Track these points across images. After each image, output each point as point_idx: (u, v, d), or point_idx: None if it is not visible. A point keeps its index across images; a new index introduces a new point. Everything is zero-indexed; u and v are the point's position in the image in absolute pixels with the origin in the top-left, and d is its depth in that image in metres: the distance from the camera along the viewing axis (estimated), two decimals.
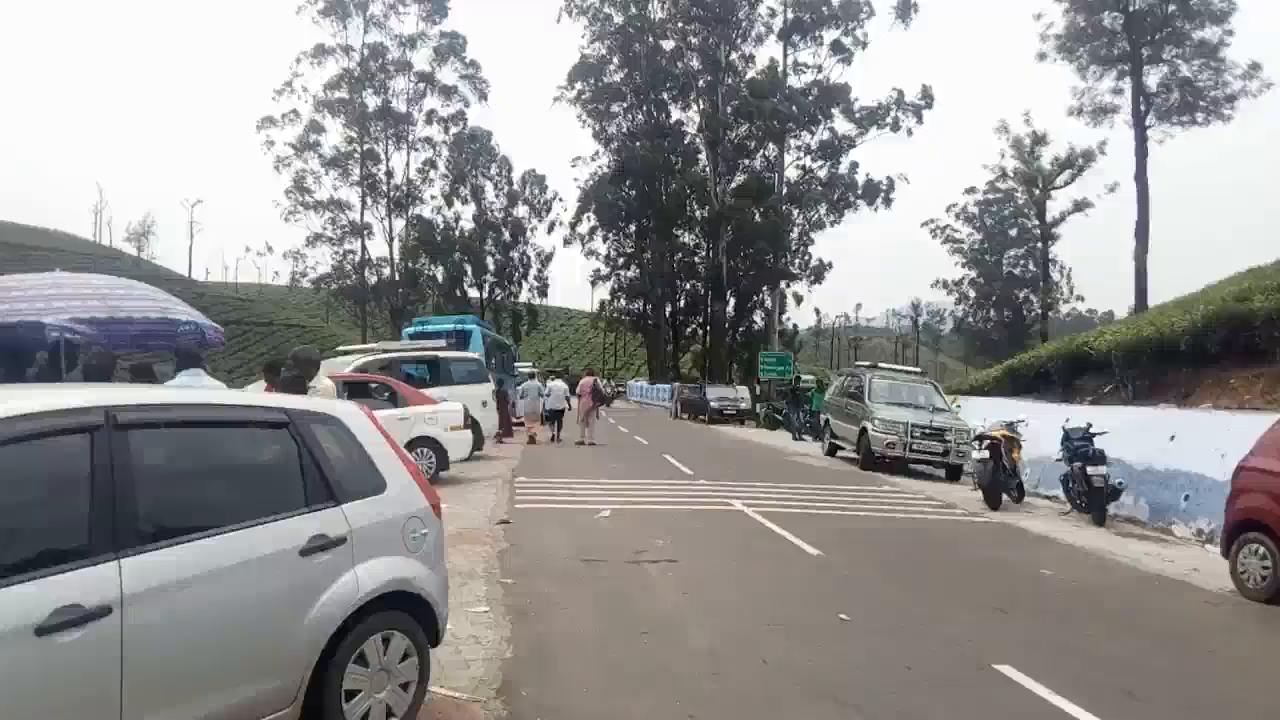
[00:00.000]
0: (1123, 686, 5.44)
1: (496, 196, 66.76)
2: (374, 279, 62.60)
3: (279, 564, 3.60)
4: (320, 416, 4.17)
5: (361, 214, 61.53)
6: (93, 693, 2.95)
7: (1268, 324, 15.60)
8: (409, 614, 4.17)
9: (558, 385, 24.57)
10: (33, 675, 2.77)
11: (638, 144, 58.78)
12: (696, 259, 61.64)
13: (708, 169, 57.50)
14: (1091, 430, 13.06)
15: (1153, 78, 39.51)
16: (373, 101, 61.02)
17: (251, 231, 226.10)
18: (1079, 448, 12.87)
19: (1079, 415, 14.99)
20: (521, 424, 23.95)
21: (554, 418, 23.46)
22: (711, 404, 36.47)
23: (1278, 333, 15.45)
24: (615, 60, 59.03)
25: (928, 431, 17.67)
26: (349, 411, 4.44)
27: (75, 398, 3.38)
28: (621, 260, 63.71)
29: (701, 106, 57.81)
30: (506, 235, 66.77)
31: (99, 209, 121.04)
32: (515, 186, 67.21)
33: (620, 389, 44.48)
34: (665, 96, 59.77)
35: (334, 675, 3.74)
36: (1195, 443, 12.50)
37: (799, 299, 60.27)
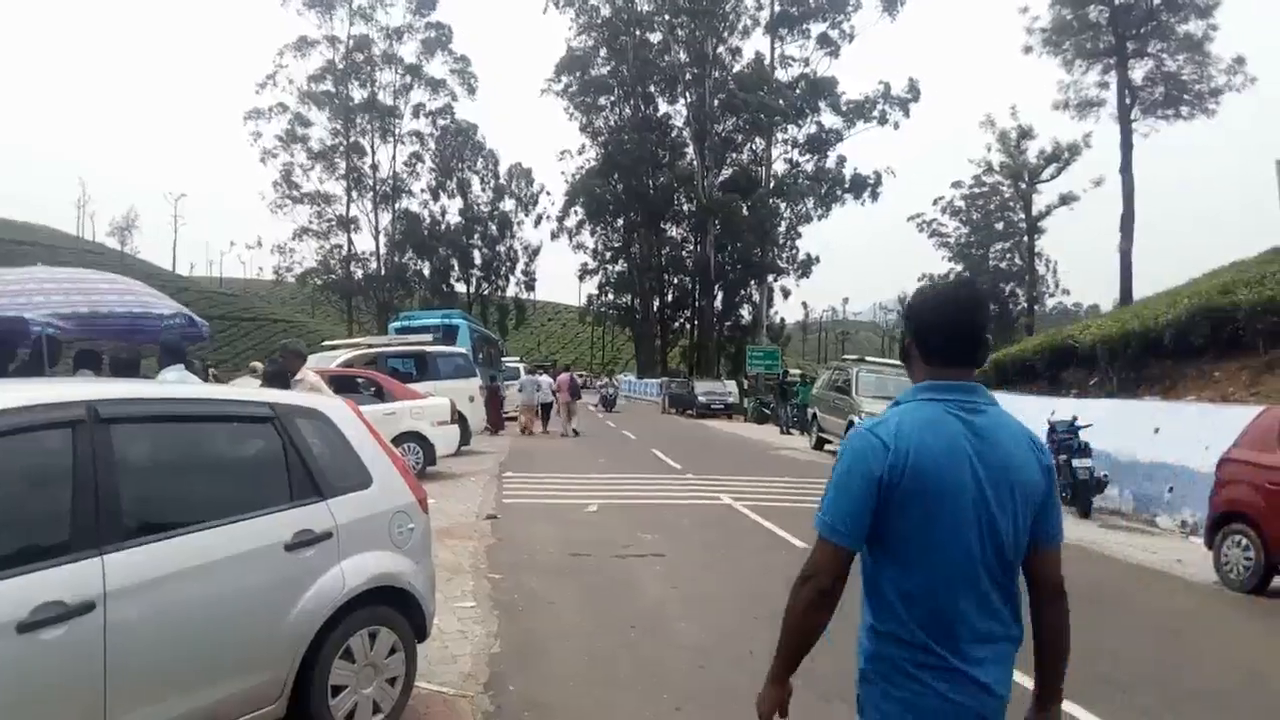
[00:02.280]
0: (1106, 676, 5.48)
1: (483, 190, 66.73)
2: (360, 273, 62.41)
3: (264, 559, 3.59)
4: (305, 411, 4.15)
5: (347, 208, 61.42)
6: (76, 689, 2.93)
7: (1251, 317, 15.69)
8: (395, 609, 4.17)
9: (544, 380, 25.26)
10: (15, 672, 2.76)
11: (625, 137, 58.67)
12: (684, 253, 61.67)
13: (695, 163, 57.47)
14: (1077, 423, 13.14)
15: (1138, 71, 39.65)
16: (359, 94, 60.80)
17: (236, 226, 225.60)
18: (1064, 440, 12.94)
19: (1064, 408, 15.06)
20: (513, 418, 24.93)
21: (543, 411, 24.46)
22: (699, 398, 36.53)
23: (1261, 325, 15.55)
24: (602, 53, 58.95)
25: None
26: (334, 406, 4.43)
27: (57, 392, 3.36)
28: (609, 254, 63.72)
29: (689, 100, 57.75)
30: (493, 229, 66.66)
31: (81, 203, 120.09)
32: (502, 180, 67.18)
33: (615, 388, 42.45)
34: (653, 89, 59.71)
35: (320, 670, 3.73)
36: (1179, 435, 12.58)
37: (786, 293, 60.42)
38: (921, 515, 2.01)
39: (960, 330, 2.12)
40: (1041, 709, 2.17)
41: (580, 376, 30.55)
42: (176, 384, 6.37)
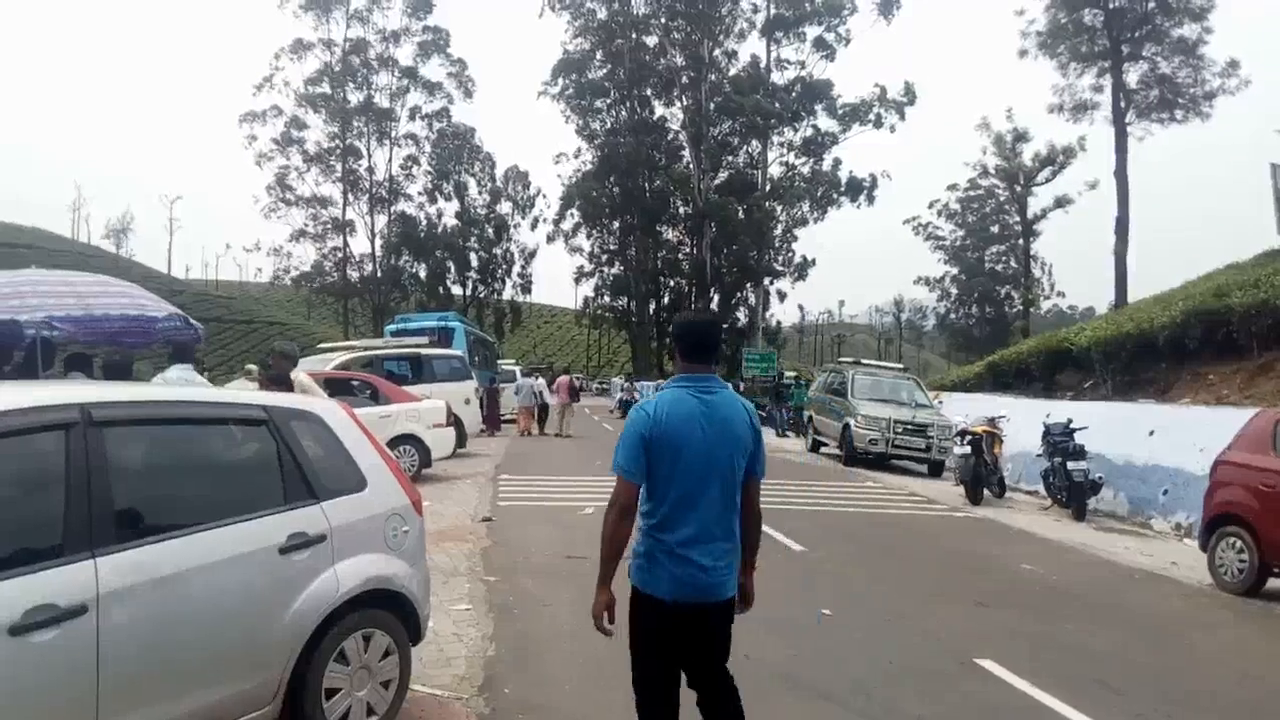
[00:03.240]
0: (1102, 679, 5.49)
1: (480, 193, 66.68)
2: (356, 276, 62.33)
3: (258, 562, 3.58)
4: (299, 414, 4.14)
5: (344, 210, 61.30)
6: (68, 692, 2.92)
7: (1245, 320, 15.75)
8: (390, 612, 4.15)
9: (540, 383, 25.81)
10: (6, 675, 2.74)
11: (621, 140, 58.64)
12: (680, 256, 61.61)
13: (691, 165, 57.39)
14: (1072, 425, 13.15)
15: (1133, 75, 39.75)
16: (355, 97, 60.76)
17: (232, 229, 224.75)
18: (1059, 443, 12.96)
19: (1059, 411, 15.09)
20: (511, 420, 25.31)
21: (540, 413, 24.88)
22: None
23: (1255, 329, 15.61)
24: (598, 56, 58.90)
25: (910, 427, 17.75)
26: (329, 408, 4.42)
27: (51, 395, 3.35)
28: (605, 257, 63.68)
29: (685, 103, 57.71)
30: (490, 232, 66.62)
31: (76, 205, 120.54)
32: (498, 183, 67.14)
33: (639, 394, 37.61)
34: (649, 92, 59.68)
35: (314, 673, 3.72)
36: (1174, 438, 12.61)
37: (782, 296, 60.38)
38: (669, 460, 3.17)
39: (700, 341, 3.35)
40: (743, 574, 3.43)
41: (578, 379, 30.61)
42: (177, 384, 6.37)
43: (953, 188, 66.14)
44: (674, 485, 3.18)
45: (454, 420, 15.13)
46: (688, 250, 60.43)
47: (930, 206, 67.31)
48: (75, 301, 7.52)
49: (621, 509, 3.22)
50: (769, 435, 27.65)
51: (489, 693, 4.86)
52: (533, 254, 68.61)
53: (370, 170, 62.02)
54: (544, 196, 67.56)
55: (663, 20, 56.75)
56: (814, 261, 57.77)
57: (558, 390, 24.87)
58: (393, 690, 4.13)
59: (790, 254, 57.69)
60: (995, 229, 66.46)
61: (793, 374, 36.00)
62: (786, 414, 28.22)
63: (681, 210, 59.64)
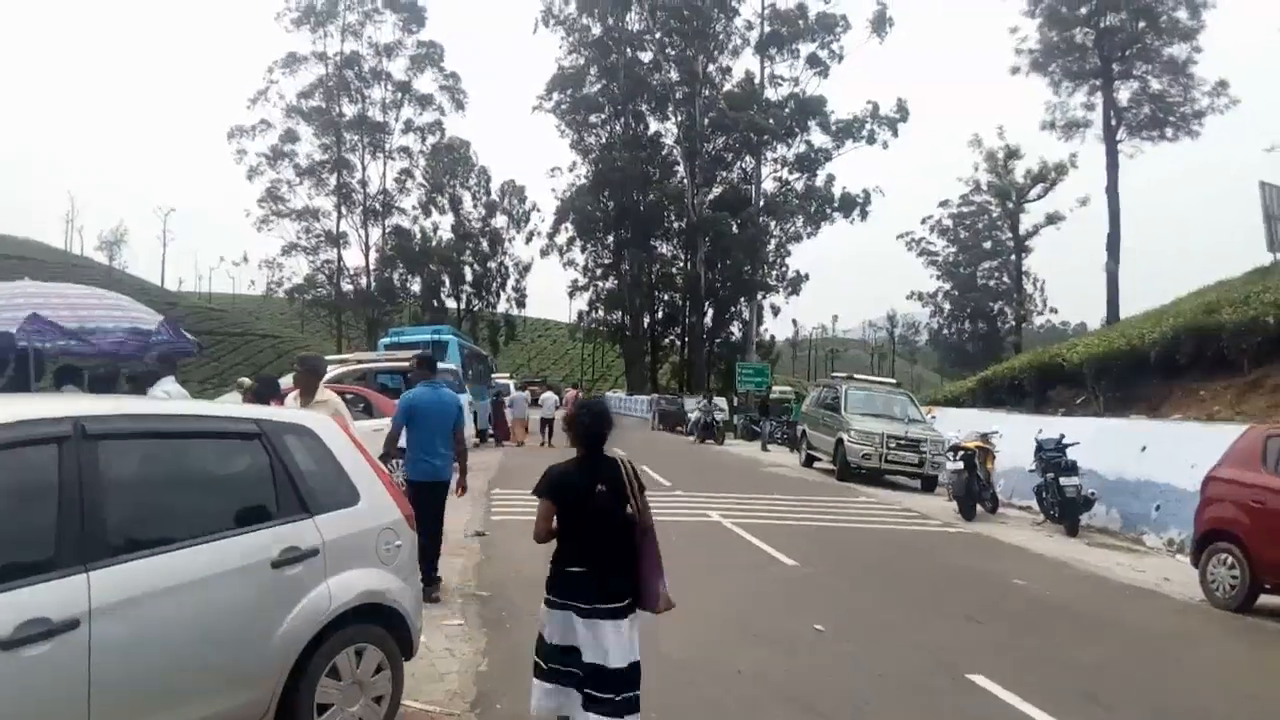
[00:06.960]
0: (1093, 695, 5.50)
1: (474, 207, 66.70)
2: (350, 289, 62.26)
3: (250, 576, 3.57)
4: (292, 427, 4.14)
5: (337, 224, 61.26)
6: (60, 706, 2.91)
7: (1235, 336, 15.83)
8: (382, 626, 4.15)
9: (549, 396, 26.65)
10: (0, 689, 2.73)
11: (615, 155, 58.73)
12: (674, 270, 61.68)
13: (685, 180, 57.55)
14: (1064, 441, 13.18)
15: (1124, 93, 40.14)
16: (349, 110, 60.84)
17: (225, 241, 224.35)
18: (1052, 458, 12.99)
19: (1052, 426, 15.13)
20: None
21: (546, 425, 26.01)
22: (690, 415, 36.50)
23: (1245, 345, 15.67)
24: (593, 71, 59.09)
25: (903, 442, 17.76)
26: (321, 422, 4.42)
27: (44, 408, 3.35)
28: (599, 271, 63.63)
29: (679, 118, 57.91)
30: (484, 246, 66.61)
31: (70, 217, 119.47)
32: (494, 197, 67.17)
33: (718, 411, 32.78)
34: (643, 108, 59.81)
35: (306, 688, 3.70)
36: (1165, 453, 12.65)
37: (776, 310, 60.54)
38: (418, 419, 7.16)
39: (430, 365, 7.67)
40: (461, 477, 7.50)
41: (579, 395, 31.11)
42: (165, 398, 6.36)
43: (945, 204, 66.65)
44: (421, 429, 7.06)
45: None
46: (681, 265, 60.54)
47: (923, 222, 67.78)
48: (69, 314, 7.53)
49: (392, 439, 7.20)
50: (755, 449, 27.78)
51: (481, 708, 4.85)
52: (527, 268, 68.60)
53: (364, 183, 62.05)
54: (539, 210, 67.61)
55: (657, 36, 57.04)
56: (807, 276, 58.00)
57: (565, 405, 25.42)
58: (385, 706, 4.12)
59: (784, 269, 57.92)
60: (988, 245, 66.82)
61: (787, 388, 36.04)
62: (774, 428, 28.57)
63: (675, 225, 59.79)
